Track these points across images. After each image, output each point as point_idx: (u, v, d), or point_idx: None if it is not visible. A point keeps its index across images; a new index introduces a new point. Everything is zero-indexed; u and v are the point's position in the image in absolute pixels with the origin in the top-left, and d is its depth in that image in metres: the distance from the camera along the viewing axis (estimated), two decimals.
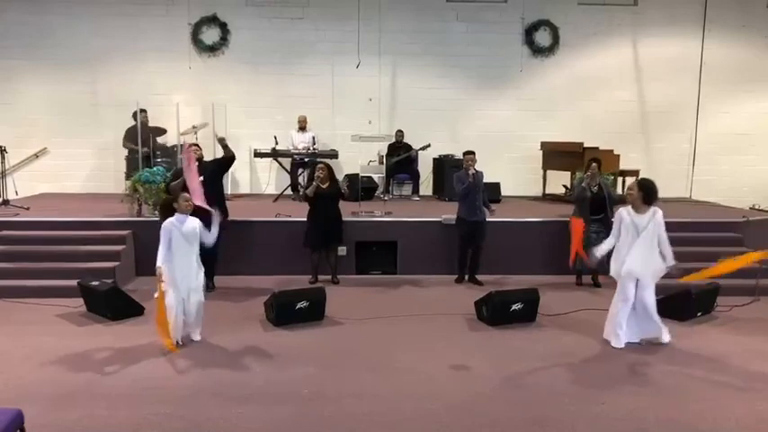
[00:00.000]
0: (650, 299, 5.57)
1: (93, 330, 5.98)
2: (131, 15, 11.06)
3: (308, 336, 5.90)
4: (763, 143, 11.94)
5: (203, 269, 5.69)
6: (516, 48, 11.62)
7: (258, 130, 10.98)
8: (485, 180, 7.82)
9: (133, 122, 10.11)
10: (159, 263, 5.33)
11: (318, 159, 8.51)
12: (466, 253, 7.86)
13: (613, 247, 5.63)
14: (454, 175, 7.83)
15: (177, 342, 5.48)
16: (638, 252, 5.44)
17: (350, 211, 8.37)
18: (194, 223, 5.54)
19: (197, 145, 7.65)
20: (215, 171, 7.29)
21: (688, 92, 11.78)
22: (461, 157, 7.90)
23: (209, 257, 6.96)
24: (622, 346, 5.61)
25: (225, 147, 7.36)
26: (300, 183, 10.61)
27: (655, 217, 5.43)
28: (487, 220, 7.73)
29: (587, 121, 11.49)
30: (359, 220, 8.29)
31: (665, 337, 5.71)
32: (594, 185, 7.51)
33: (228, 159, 7.38)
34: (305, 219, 7.69)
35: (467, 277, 7.95)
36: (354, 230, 8.02)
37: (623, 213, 5.53)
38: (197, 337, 5.70)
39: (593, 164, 7.56)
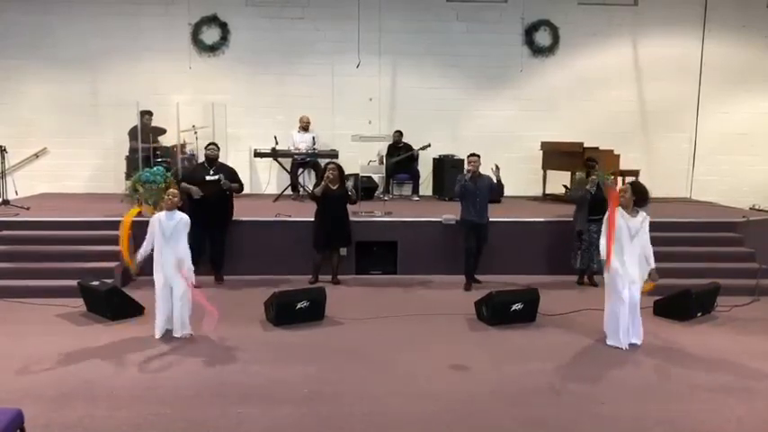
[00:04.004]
0: (638, 296, 5.68)
1: (93, 330, 5.98)
2: (131, 15, 11.05)
3: (307, 336, 5.90)
4: (763, 143, 11.92)
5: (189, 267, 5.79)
6: (516, 48, 11.60)
7: (258, 130, 10.95)
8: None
9: (137, 122, 10.10)
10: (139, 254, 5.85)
11: (328, 160, 8.49)
12: (471, 258, 7.69)
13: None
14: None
15: (157, 336, 5.69)
16: (633, 253, 5.56)
17: (350, 211, 8.36)
18: (176, 219, 5.71)
19: (215, 144, 7.86)
20: (228, 178, 7.64)
21: (688, 92, 11.76)
22: (462, 158, 7.88)
23: (215, 249, 7.66)
24: (625, 346, 5.60)
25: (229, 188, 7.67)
26: (300, 183, 10.61)
27: (644, 221, 5.60)
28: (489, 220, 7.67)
29: (587, 121, 11.47)
30: (359, 220, 8.28)
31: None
32: (593, 186, 7.49)
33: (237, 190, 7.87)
34: (304, 219, 7.67)
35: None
36: (354, 230, 8.00)
37: (616, 215, 5.58)
38: (177, 334, 5.74)
39: (595, 165, 7.53)
